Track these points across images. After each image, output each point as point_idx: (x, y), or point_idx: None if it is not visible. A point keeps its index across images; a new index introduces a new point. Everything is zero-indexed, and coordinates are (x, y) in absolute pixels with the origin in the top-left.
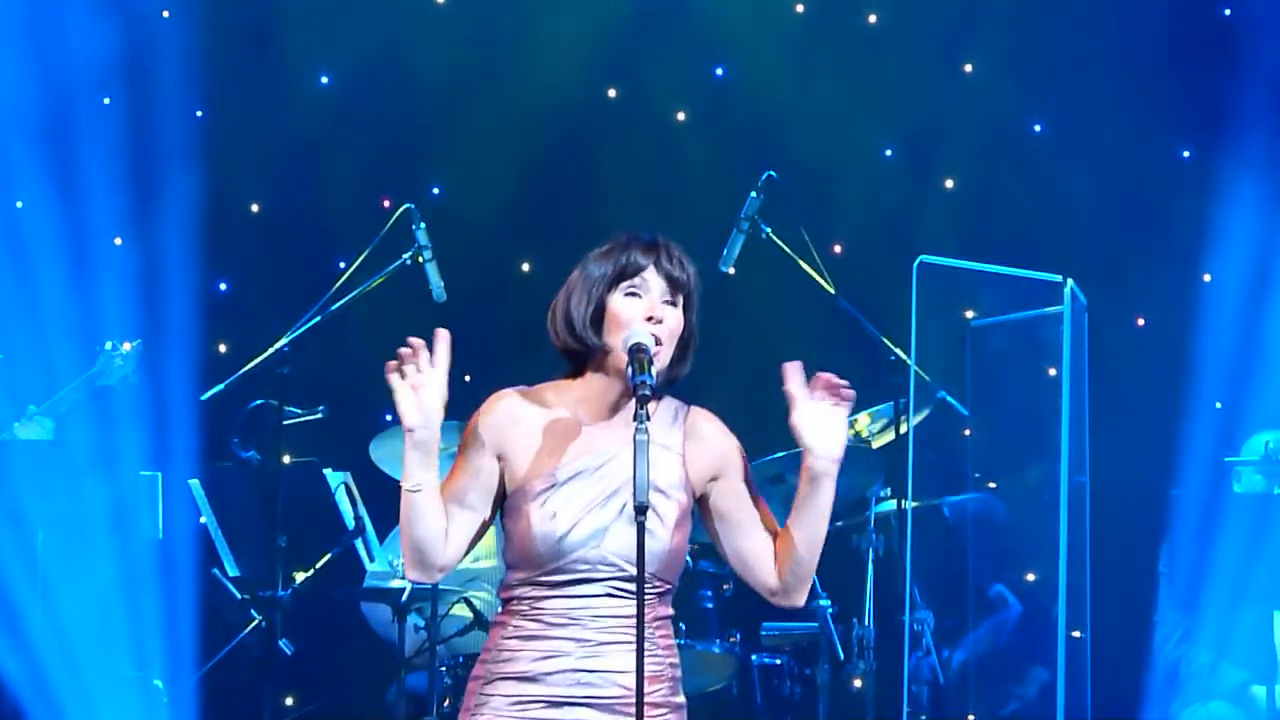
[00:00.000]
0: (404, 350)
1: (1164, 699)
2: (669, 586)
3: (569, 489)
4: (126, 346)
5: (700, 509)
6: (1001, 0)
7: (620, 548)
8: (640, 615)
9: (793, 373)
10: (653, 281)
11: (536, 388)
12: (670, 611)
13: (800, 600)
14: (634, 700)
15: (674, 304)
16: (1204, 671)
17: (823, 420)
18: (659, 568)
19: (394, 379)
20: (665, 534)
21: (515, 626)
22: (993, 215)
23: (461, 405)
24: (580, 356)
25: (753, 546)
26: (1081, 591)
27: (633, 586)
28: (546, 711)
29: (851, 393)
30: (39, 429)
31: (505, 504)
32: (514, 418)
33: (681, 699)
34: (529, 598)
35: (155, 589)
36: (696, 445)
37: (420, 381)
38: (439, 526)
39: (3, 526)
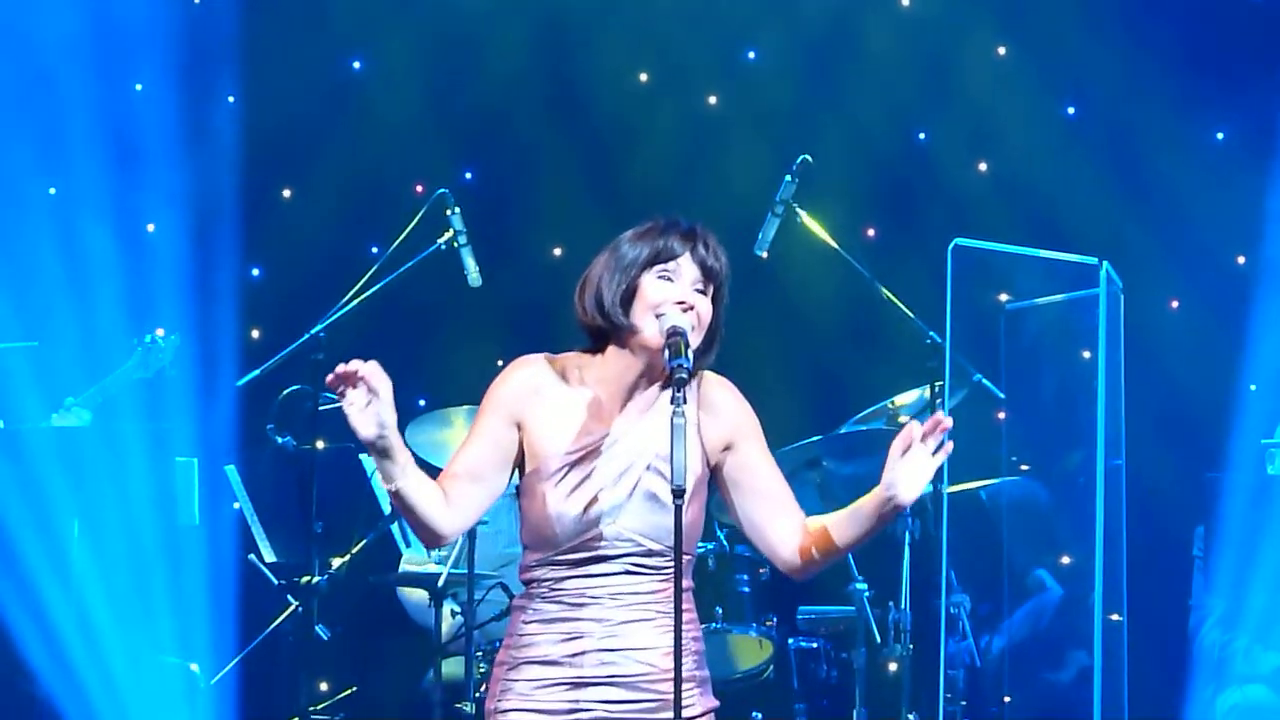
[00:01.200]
0: (344, 372)
1: (1200, 683)
2: (689, 558)
3: (582, 468)
4: (160, 332)
5: (714, 476)
6: None
7: (635, 524)
8: (678, 596)
9: (911, 428)
10: (686, 268)
11: (560, 357)
12: (690, 584)
13: (804, 579)
14: (656, 676)
15: (705, 293)
16: (1240, 655)
17: (913, 466)
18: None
19: (343, 402)
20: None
21: (535, 610)
22: (1026, 198)
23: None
24: (603, 334)
25: (767, 514)
26: (1118, 575)
27: (651, 562)
28: (571, 693)
29: (950, 445)
30: (75, 420)
31: (520, 485)
32: (535, 388)
33: (705, 672)
34: (548, 579)
35: (191, 575)
36: (710, 414)
37: (366, 399)
38: (434, 507)
39: (37, 513)
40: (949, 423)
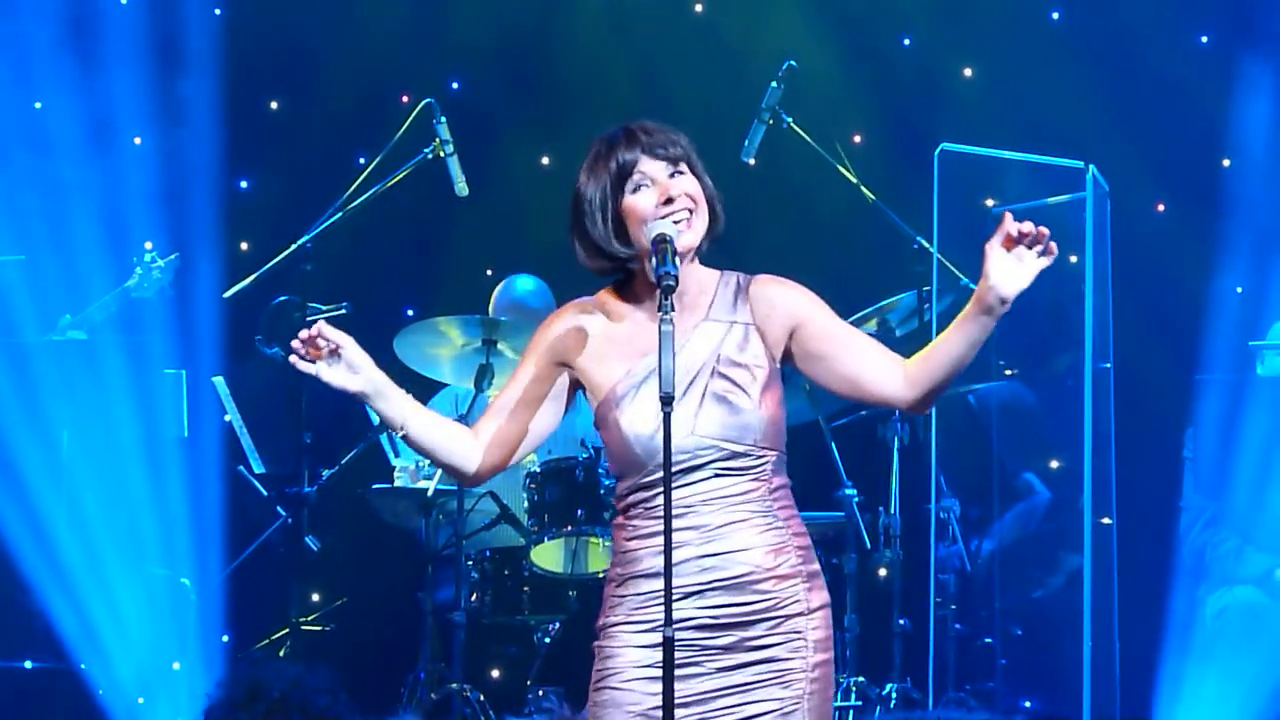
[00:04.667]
0: (305, 336)
1: (1190, 584)
2: (777, 453)
3: (646, 389)
4: (149, 246)
5: (796, 361)
6: None
7: (713, 428)
8: (667, 505)
9: (1008, 221)
10: (650, 168)
11: (595, 298)
12: (786, 481)
13: (928, 409)
14: (760, 575)
15: (682, 174)
16: (1229, 556)
17: (1016, 262)
18: (759, 438)
19: (310, 369)
20: (752, 404)
21: (633, 527)
22: (1012, 103)
23: (481, 297)
24: (623, 269)
25: (866, 365)
26: (1107, 478)
27: (737, 463)
28: (678, 603)
29: (1054, 247)
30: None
31: (595, 420)
32: (577, 327)
33: (815, 566)
34: (641, 501)
35: (180, 487)
36: (766, 308)
37: (335, 357)
38: (454, 444)
39: (27, 427)
40: (1042, 232)
